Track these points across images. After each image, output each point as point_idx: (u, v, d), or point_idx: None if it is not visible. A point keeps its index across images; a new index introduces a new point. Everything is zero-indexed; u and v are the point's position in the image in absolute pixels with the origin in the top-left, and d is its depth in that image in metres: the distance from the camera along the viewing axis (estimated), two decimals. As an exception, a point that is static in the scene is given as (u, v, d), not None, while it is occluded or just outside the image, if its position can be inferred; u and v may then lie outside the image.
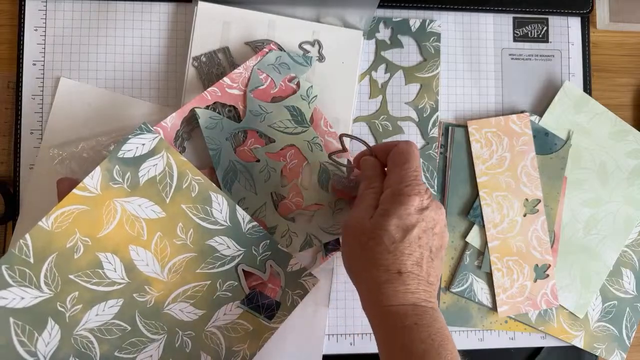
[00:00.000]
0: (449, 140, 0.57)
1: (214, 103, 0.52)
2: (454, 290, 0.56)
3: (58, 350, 0.41)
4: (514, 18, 0.59)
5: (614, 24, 0.59)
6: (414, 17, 0.58)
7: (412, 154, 0.44)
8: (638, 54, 0.62)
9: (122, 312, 0.42)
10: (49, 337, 0.41)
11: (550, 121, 0.58)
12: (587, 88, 0.59)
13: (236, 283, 0.45)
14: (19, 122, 0.53)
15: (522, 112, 0.58)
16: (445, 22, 0.58)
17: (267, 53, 0.53)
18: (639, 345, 0.59)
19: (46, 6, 0.54)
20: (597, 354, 0.58)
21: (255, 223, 0.46)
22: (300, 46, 0.54)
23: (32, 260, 0.41)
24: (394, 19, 0.57)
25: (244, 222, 0.46)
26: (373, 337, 0.55)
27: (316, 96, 0.53)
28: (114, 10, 0.54)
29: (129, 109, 0.53)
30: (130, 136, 0.43)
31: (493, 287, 0.56)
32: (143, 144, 0.44)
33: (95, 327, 0.42)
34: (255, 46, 0.54)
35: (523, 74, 0.59)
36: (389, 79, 0.57)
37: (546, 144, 0.58)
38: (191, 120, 0.52)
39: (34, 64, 0.53)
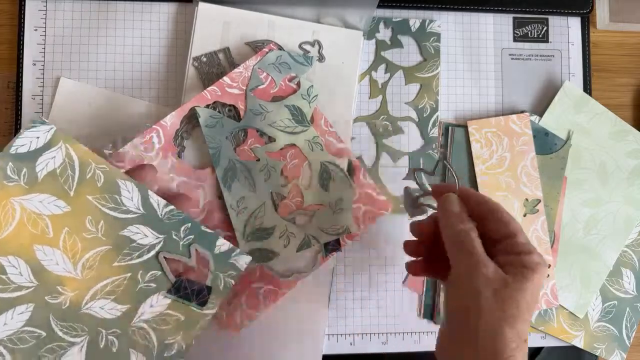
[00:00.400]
0: (449, 140, 0.57)
1: (214, 103, 0.52)
2: (454, 290, 0.56)
3: None
4: (514, 18, 0.59)
5: (614, 24, 0.59)
6: (414, 17, 0.58)
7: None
8: (638, 54, 0.62)
9: (34, 318, 0.39)
10: None
11: (550, 121, 0.58)
12: (587, 88, 0.59)
13: (159, 272, 0.42)
14: (19, 122, 0.53)
15: (522, 112, 0.58)
16: (445, 22, 0.58)
17: (267, 53, 0.53)
18: (639, 345, 0.59)
19: (46, 6, 0.54)
20: (597, 354, 0.58)
21: (172, 207, 0.43)
22: (300, 46, 0.54)
23: None
24: (394, 19, 0.57)
25: (159, 207, 0.43)
26: (373, 337, 0.55)
27: (317, 95, 0.53)
28: (114, 10, 0.54)
29: (128, 109, 0.53)
30: (23, 130, 0.41)
31: (493, 287, 0.56)
32: (37, 137, 0.41)
33: (5, 337, 0.39)
34: (256, 46, 0.54)
35: (523, 74, 0.59)
36: (389, 79, 0.57)
37: (546, 144, 0.58)
38: (191, 119, 0.52)
39: (34, 64, 0.53)
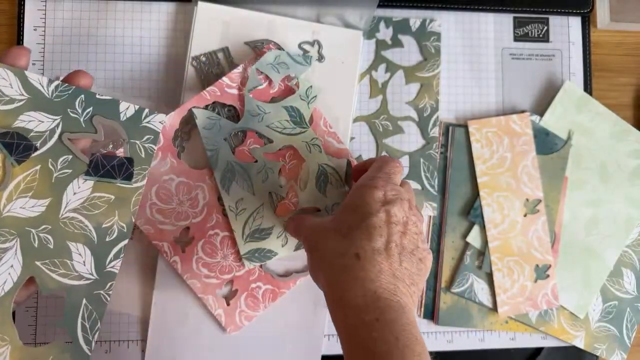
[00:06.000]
0: (450, 140, 0.57)
1: (214, 103, 0.52)
2: (454, 291, 0.56)
3: None
4: (515, 17, 0.59)
5: (614, 24, 0.59)
6: (414, 17, 0.57)
7: (388, 162, 0.44)
8: (638, 54, 0.61)
9: None
10: None
11: (550, 121, 0.58)
12: (588, 88, 0.59)
13: (70, 156, 0.39)
14: (18, 122, 0.52)
15: (522, 111, 0.58)
16: (446, 21, 0.58)
17: (265, 53, 0.53)
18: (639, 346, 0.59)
19: (45, 6, 0.54)
20: (597, 354, 0.58)
21: (58, 82, 0.39)
22: (300, 46, 0.54)
23: None
24: (394, 19, 0.57)
25: (43, 86, 0.39)
26: (373, 337, 0.55)
27: (315, 96, 0.53)
28: (114, 10, 0.54)
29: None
30: None
31: (493, 288, 0.56)
32: None
33: None
34: (255, 46, 0.53)
35: (523, 73, 0.59)
36: (389, 78, 0.57)
37: (547, 144, 0.57)
38: (190, 120, 0.51)
39: (33, 64, 0.53)
